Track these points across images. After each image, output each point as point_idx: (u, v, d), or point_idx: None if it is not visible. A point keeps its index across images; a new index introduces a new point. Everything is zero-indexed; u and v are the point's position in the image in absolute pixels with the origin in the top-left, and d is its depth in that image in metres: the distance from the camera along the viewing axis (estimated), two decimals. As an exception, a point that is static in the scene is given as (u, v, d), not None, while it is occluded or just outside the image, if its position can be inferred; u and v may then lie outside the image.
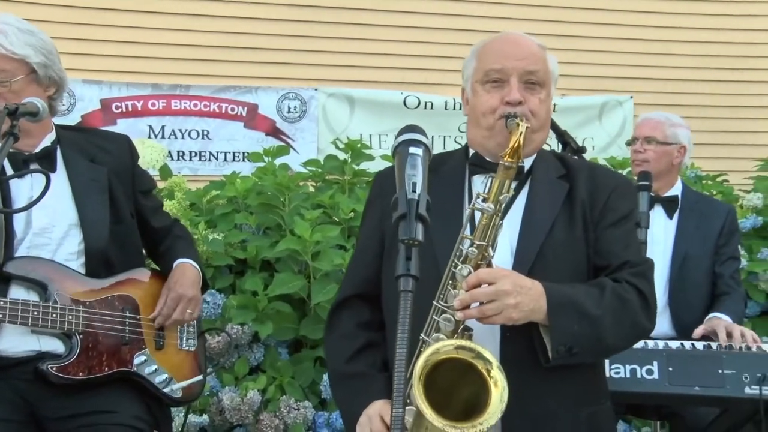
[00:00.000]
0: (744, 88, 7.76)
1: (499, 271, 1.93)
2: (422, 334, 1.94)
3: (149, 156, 5.13)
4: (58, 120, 6.42)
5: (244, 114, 6.96)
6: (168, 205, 4.75)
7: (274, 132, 7.00)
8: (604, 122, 7.76)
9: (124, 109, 6.76)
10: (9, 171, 2.62)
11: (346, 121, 7.15)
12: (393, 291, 2.14)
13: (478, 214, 1.96)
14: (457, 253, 1.94)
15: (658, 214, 3.80)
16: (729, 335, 3.19)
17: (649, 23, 7.67)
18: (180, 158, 6.85)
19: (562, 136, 3.09)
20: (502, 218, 1.96)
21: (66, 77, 2.75)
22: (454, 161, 2.27)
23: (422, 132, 1.83)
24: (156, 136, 6.76)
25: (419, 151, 1.78)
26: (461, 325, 1.93)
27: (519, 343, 1.99)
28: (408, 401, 1.92)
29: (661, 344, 3.10)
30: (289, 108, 7.03)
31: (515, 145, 1.94)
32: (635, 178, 3.68)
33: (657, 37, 7.67)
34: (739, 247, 4.87)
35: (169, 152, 6.72)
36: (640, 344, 3.08)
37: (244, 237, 4.65)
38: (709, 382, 2.77)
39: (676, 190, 3.88)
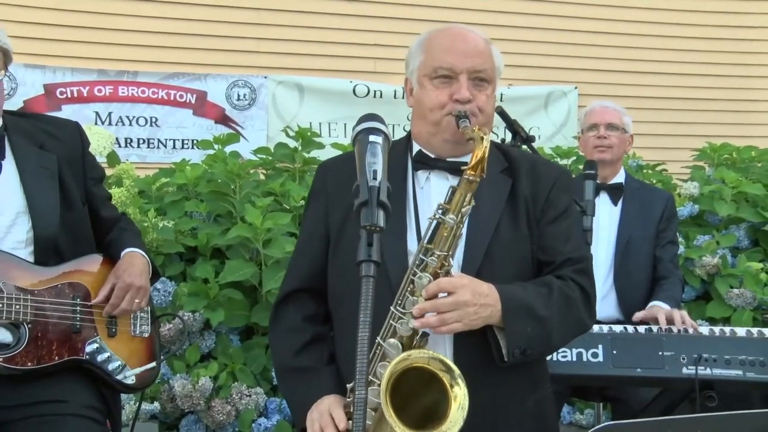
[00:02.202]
0: (681, 80, 7.92)
1: (459, 281, 1.95)
2: (378, 338, 1.94)
3: (96, 142, 5.03)
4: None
5: (193, 101, 6.89)
6: (116, 193, 4.69)
7: (224, 120, 6.95)
8: (550, 112, 7.85)
9: (69, 95, 6.63)
10: None
11: (295, 109, 7.12)
12: (341, 284, 2.17)
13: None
14: (417, 262, 1.95)
15: (603, 201, 3.88)
16: (669, 321, 3.27)
17: (593, 16, 7.77)
18: (128, 145, 6.75)
19: (512, 125, 3.13)
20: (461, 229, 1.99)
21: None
22: (396, 155, 2.23)
23: (381, 121, 1.84)
24: (103, 123, 6.64)
25: (379, 139, 1.79)
26: (419, 331, 1.94)
27: (470, 341, 2.01)
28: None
29: (606, 328, 3.17)
30: (238, 95, 6.98)
31: (479, 159, 1.95)
32: (582, 167, 3.73)
33: (600, 30, 7.78)
34: (677, 233, 5.02)
35: (117, 139, 6.63)
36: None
37: (195, 224, 4.62)
38: (650, 363, 2.86)
39: (620, 177, 3.97)
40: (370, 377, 1.93)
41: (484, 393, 1.99)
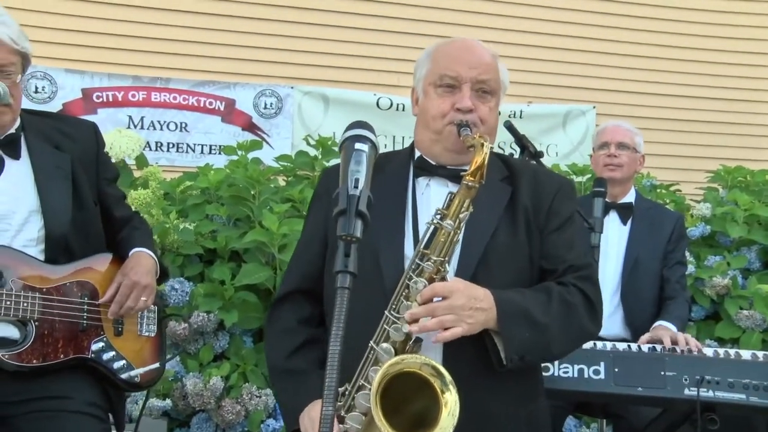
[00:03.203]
0: (698, 103, 7.76)
1: (454, 285, 1.88)
2: (372, 342, 1.87)
3: (125, 145, 4.99)
4: (40, 107, 6.41)
5: (221, 108, 6.84)
6: (141, 194, 4.65)
7: (250, 127, 6.89)
8: (568, 130, 7.72)
9: (104, 99, 6.61)
10: None
11: (320, 119, 7.06)
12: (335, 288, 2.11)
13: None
14: (413, 267, 1.88)
15: (613, 219, 3.79)
16: (674, 343, 3.15)
17: (612, 38, 7.64)
18: (158, 149, 6.71)
19: (521, 140, 3.04)
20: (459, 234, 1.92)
21: None
22: (399, 161, 2.20)
23: (370, 128, 1.76)
24: (135, 127, 6.61)
25: (365, 147, 1.71)
26: (412, 336, 1.87)
27: (462, 349, 1.92)
28: (353, 405, 1.85)
29: (609, 345, 3.06)
30: (265, 104, 6.93)
31: (479, 165, 1.89)
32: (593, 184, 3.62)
33: (620, 52, 7.64)
34: (687, 254, 4.89)
35: (148, 143, 6.60)
36: (588, 345, 3.05)
37: (215, 227, 4.57)
38: (651, 383, 2.75)
39: (631, 197, 3.87)
40: (362, 381, 1.86)
41: (475, 401, 1.90)
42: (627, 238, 3.75)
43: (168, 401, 3.95)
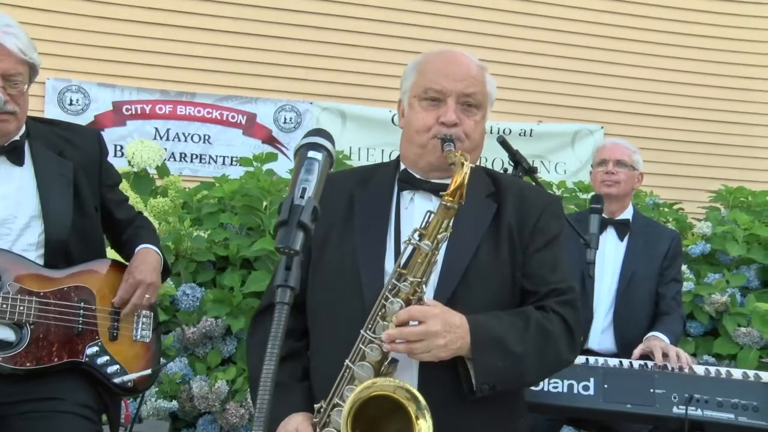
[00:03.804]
0: (701, 125, 7.60)
1: (430, 310, 1.73)
2: (348, 360, 1.75)
3: (147, 155, 4.94)
4: (73, 119, 6.40)
5: (243, 122, 6.78)
6: (160, 202, 4.60)
7: (270, 140, 6.82)
8: (576, 149, 7.58)
9: (133, 112, 6.59)
10: None
11: (337, 134, 6.93)
12: (318, 300, 1.96)
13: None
14: (389, 287, 1.75)
15: (610, 235, 3.67)
16: (665, 356, 3.01)
17: (620, 61, 7.50)
18: (182, 159, 6.66)
19: (514, 156, 2.91)
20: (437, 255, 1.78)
21: None
22: (384, 174, 2.06)
23: (328, 137, 1.60)
24: (161, 138, 6.58)
25: (318, 156, 1.55)
26: (388, 357, 1.74)
27: (438, 370, 1.78)
28: (328, 422, 1.74)
29: (601, 361, 2.93)
30: (285, 119, 6.86)
31: (458, 185, 1.74)
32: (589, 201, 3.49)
33: (627, 74, 7.50)
34: (688, 270, 4.74)
35: (172, 154, 6.60)
36: (580, 360, 2.92)
37: (227, 235, 4.50)
38: (640, 400, 2.61)
39: (628, 213, 3.73)
40: (336, 400, 1.74)
41: (451, 425, 1.77)
42: (623, 255, 3.61)
43: (174, 402, 3.87)
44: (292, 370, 1.95)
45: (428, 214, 1.79)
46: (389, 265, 1.87)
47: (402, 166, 2.04)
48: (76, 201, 2.52)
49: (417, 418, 1.63)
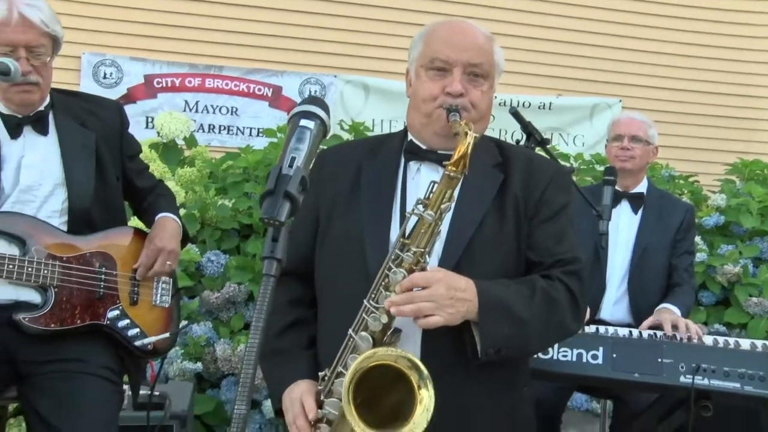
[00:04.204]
0: (718, 99, 7.41)
1: (434, 275, 1.67)
2: (350, 330, 1.69)
3: (175, 126, 4.93)
4: (107, 91, 6.42)
5: (269, 95, 6.73)
6: (187, 172, 4.59)
7: (296, 111, 6.78)
8: (594, 122, 7.44)
9: (164, 85, 6.57)
10: (4, 133, 2.43)
11: (360, 107, 6.90)
12: (325, 271, 1.91)
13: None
14: (393, 257, 1.68)
15: (624, 208, 3.58)
16: (675, 327, 2.94)
17: (638, 35, 7.33)
18: (210, 131, 6.64)
19: (526, 127, 2.83)
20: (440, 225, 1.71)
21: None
22: (392, 144, 1.98)
23: (322, 106, 1.52)
24: (190, 110, 6.55)
25: (311, 124, 1.46)
26: (391, 326, 1.68)
27: (440, 339, 1.72)
28: (332, 391, 1.70)
29: (611, 330, 2.87)
30: (310, 91, 6.80)
31: (462, 155, 1.66)
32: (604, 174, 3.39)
33: (645, 49, 7.33)
34: (701, 242, 4.65)
35: (201, 125, 6.58)
36: (590, 329, 2.87)
37: (251, 204, 4.48)
38: (648, 369, 2.54)
39: (642, 187, 3.64)
40: (340, 368, 1.69)
41: (454, 392, 1.72)
42: (637, 227, 3.53)
43: (199, 364, 3.88)
44: (299, 337, 1.91)
45: (432, 184, 1.70)
46: (394, 235, 1.80)
47: (409, 137, 1.96)
48: (98, 170, 2.50)
49: (419, 387, 1.57)
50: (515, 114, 2.82)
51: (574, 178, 5.53)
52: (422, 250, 1.67)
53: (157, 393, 2.92)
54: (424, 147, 1.91)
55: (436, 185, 1.69)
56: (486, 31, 1.93)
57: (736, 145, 7.09)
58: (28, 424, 2.42)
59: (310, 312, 1.96)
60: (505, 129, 6.98)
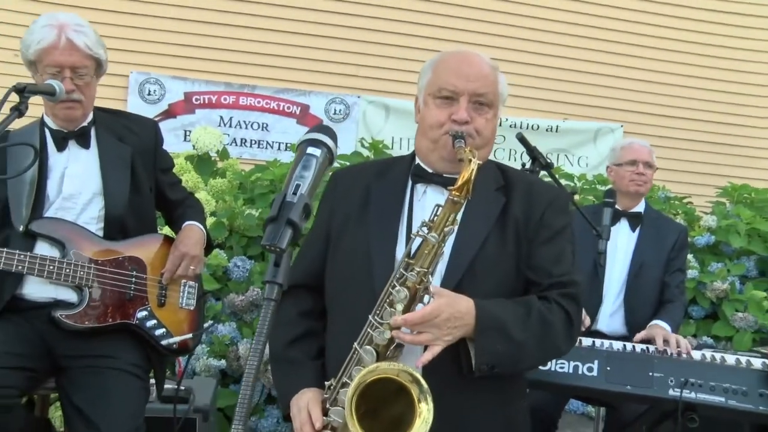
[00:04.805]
0: (712, 127, 7.35)
1: (438, 307, 1.59)
2: (356, 343, 1.64)
3: (208, 140, 4.91)
4: (151, 107, 6.46)
5: (297, 112, 6.72)
6: (218, 183, 4.57)
7: (322, 129, 6.76)
8: (598, 145, 7.37)
9: (202, 101, 6.58)
10: (51, 146, 2.45)
11: (381, 125, 6.88)
12: (334, 286, 1.86)
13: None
14: (397, 275, 1.63)
15: (623, 226, 3.49)
16: (666, 342, 2.87)
17: (640, 66, 7.26)
18: (243, 144, 6.65)
19: (532, 152, 2.77)
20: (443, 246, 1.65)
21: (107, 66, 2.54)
22: (400, 167, 1.93)
23: (330, 134, 1.46)
24: (225, 125, 6.57)
25: (317, 152, 1.41)
26: (394, 341, 1.62)
27: (441, 353, 1.64)
28: (337, 399, 1.65)
29: (606, 344, 2.80)
30: (335, 110, 6.78)
31: (465, 180, 1.60)
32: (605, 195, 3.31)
33: (645, 78, 7.26)
34: (693, 259, 4.57)
35: (234, 139, 6.58)
36: (587, 342, 2.80)
37: (276, 214, 4.44)
38: (639, 382, 2.47)
39: (640, 207, 3.55)
40: (345, 379, 1.64)
41: (452, 405, 1.66)
42: (635, 244, 3.44)
43: (223, 361, 3.84)
44: (308, 348, 1.86)
45: (436, 207, 1.66)
46: (400, 253, 1.75)
47: (416, 161, 1.91)
48: (133, 181, 2.49)
49: (419, 400, 1.52)
50: (521, 139, 2.76)
51: (577, 198, 5.50)
52: (425, 270, 1.61)
53: (182, 388, 2.90)
54: (430, 170, 1.86)
55: (440, 209, 1.64)
56: (491, 62, 1.88)
57: (727, 169, 7.00)
58: (64, 411, 2.41)
59: (319, 324, 1.91)
60: (515, 149, 6.95)
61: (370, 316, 1.63)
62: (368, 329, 1.63)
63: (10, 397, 2.21)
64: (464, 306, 1.63)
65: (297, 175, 1.37)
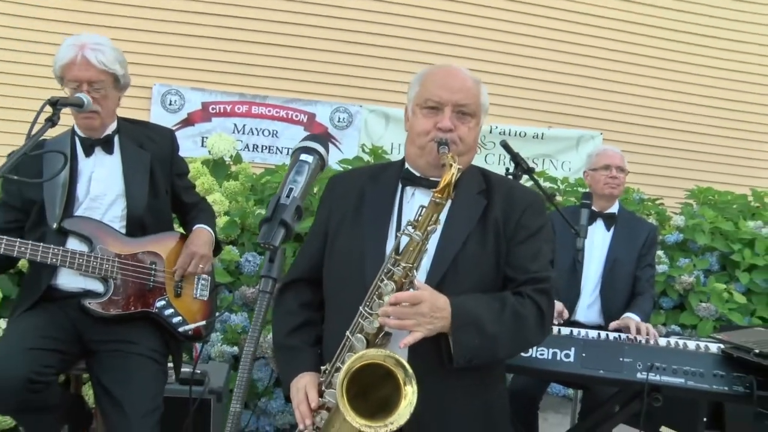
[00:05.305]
0: (683, 135, 7.41)
1: (421, 295, 1.62)
2: (348, 332, 1.66)
3: (222, 146, 4.95)
4: (172, 116, 6.48)
5: (304, 120, 6.75)
6: (232, 185, 4.60)
7: (327, 136, 6.77)
8: (580, 151, 7.39)
9: (218, 111, 6.62)
10: (80, 152, 2.49)
11: (381, 132, 6.90)
12: (330, 280, 1.88)
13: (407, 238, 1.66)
14: (385, 270, 1.64)
15: (599, 226, 3.51)
16: (638, 331, 2.91)
17: (618, 80, 7.32)
18: (255, 150, 6.68)
19: (515, 157, 2.78)
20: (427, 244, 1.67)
21: (129, 80, 2.56)
22: (391, 171, 1.94)
23: (322, 142, 1.48)
24: (239, 132, 6.61)
25: (309, 158, 1.44)
26: (382, 330, 1.65)
27: (425, 344, 1.66)
28: (332, 382, 1.67)
29: (582, 332, 2.83)
30: (339, 119, 6.81)
31: (446, 183, 1.61)
32: (579, 200, 3.35)
33: (623, 91, 7.32)
34: (664, 255, 4.60)
35: (247, 145, 6.61)
36: (565, 331, 2.82)
37: (284, 213, 4.47)
38: (611, 367, 2.48)
39: (615, 208, 3.58)
40: (339, 364, 1.66)
41: (434, 390, 1.68)
42: (609, 242, 3.47)
43: (235, 348, 3.88)
44: (307, 336, 1.88)
45: (420, 208, 1.67)
46: (389, 249, 1.76)
47: (406, 165, 1.93)
48: (151, 185, 2.53)
49: (404, 384, 1.54)
50: (505, 146, 2.78)
51: (560, 199, 5.52)
52: (410, 265, 1.63)
53: (198, 371, 2.94)
54: (418, 174, 1.87)
55: (424, 209, 1.66)
56: (474, 76, 1.89)
57: (695, 174, 7.08)
58: (93, 390, 2.47)
59: (318, 314, 1.92)
60: (503, 155, 6.97)
61: (360, 307, 1.65)
62: (359, 319, 1.65)
63: (47, 375, 2.25)
64: (442, 301, 1.65)
65: (291, 179, 1.40)
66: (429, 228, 1.63)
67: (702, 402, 2.68)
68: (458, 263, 1.75)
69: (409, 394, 1.53)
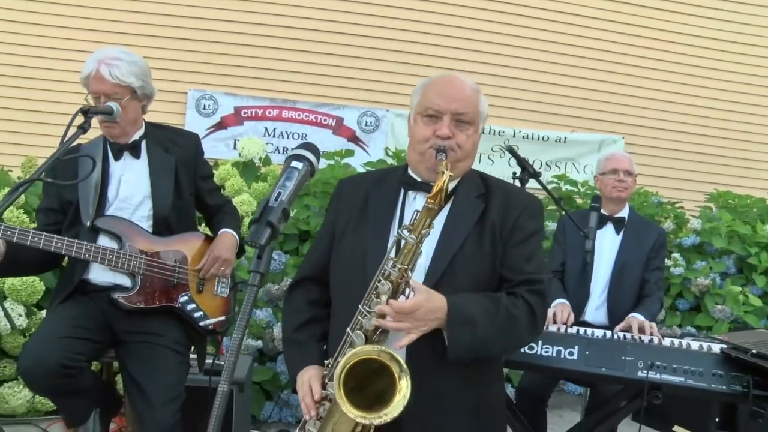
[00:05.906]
0: (701, 139, 7.27)
1: (418, 302, 1.65)
2: (348, 328, 1.71)
3: (252, 149, 5.07)
4: (206, 119, 6.61)
5: (333, 124, 6.81)
6: (261, 186, 4.71)
7: (354, 139, 6.83)
8: (601, 154, 7.31)
9: (250, 115, 6.71)
10: (110, 156, 2.59)
11: (406, 136, 6.92)
12: (336, 279, 1.93)
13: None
14: (382, 271, 1.68)
15: (608, 229, 3.50)
16: (641, 331, 2.91)
17: (641, 85, 7.21)
18: (285, 152, 6.70)
19: (521, 162, 2.81)
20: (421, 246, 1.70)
21: (155, 90, 2.65)
22: (395, 176, 1.97)
23: (314, 150, 1.54)
24: (269, 135, 6.69)
25: (299, 165, 1.50)
26: (380, 328, 1.69)
27: (421, 339, 1.69)
28: (333, 378, 1.70)
29: (590, 332, 2.84)
30: (366, 122, 6.86)
31: (439, 189, 1.63)
32: (591, 202, 3.34)
33: (645, 96, 7.20)
34: (680, 258, 4.56)
35: (277, 148, 6.69)
36: (572, 330, 2.85)
37: (309, 214, 4.57)
38: (613, 365, 2.49)
39: (624, 212, 3.56)
40: (340, 358, 1.69)
41: (431, 384, 1.72)
42: (618, 246, 3.46)
43: (260, 342, 3.97)
44: (313, 332, 1.92)
45: (415, 213, 1.70)
46: (390, 253, 1.79)
47: (408, 171, 1.96)
48: (176, 187, 2.61)
49: (399, 378, 1.58)
50: (511, 151, 2.80)
51: (579, 201, 5.50)
52: (406, 266, 1.67)
53: (221, 363, 3.03)
54: (419, 179, 1.90)
55: (418, 214, 1.69)
56: (473, 85, 1.91)
57: (714, 177, 6.93)
58: (122, 377, 2.58)
59: (324, 311, 1.96)
60: (526, 158, 6.95)
61: (359, 305, 1.69)
62: (358, 316, 1.69)
63: (80, 361, 2.37)
64: (438, 302, 1.68)
65: (280, 184, 1.46)
66: (423, 231, 1.66)
67: (714, 402, 2.68)
68: (456, 263, 1.77)
69: (404, 388, 1.57)
